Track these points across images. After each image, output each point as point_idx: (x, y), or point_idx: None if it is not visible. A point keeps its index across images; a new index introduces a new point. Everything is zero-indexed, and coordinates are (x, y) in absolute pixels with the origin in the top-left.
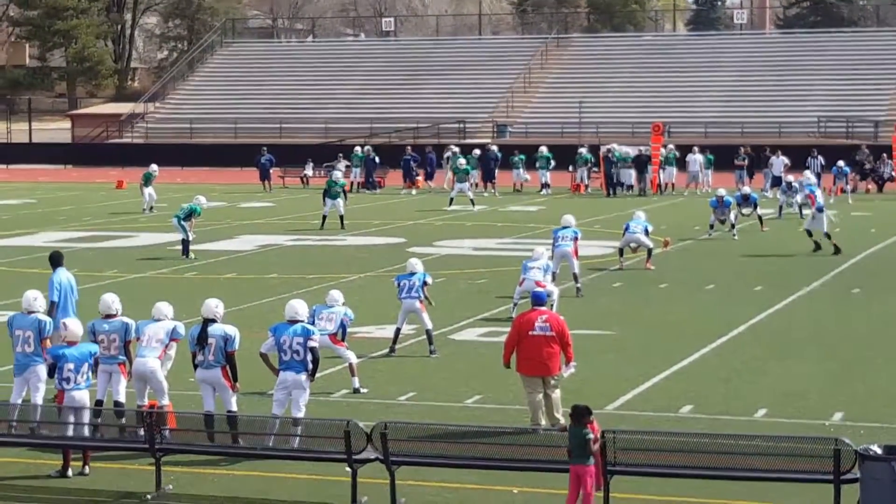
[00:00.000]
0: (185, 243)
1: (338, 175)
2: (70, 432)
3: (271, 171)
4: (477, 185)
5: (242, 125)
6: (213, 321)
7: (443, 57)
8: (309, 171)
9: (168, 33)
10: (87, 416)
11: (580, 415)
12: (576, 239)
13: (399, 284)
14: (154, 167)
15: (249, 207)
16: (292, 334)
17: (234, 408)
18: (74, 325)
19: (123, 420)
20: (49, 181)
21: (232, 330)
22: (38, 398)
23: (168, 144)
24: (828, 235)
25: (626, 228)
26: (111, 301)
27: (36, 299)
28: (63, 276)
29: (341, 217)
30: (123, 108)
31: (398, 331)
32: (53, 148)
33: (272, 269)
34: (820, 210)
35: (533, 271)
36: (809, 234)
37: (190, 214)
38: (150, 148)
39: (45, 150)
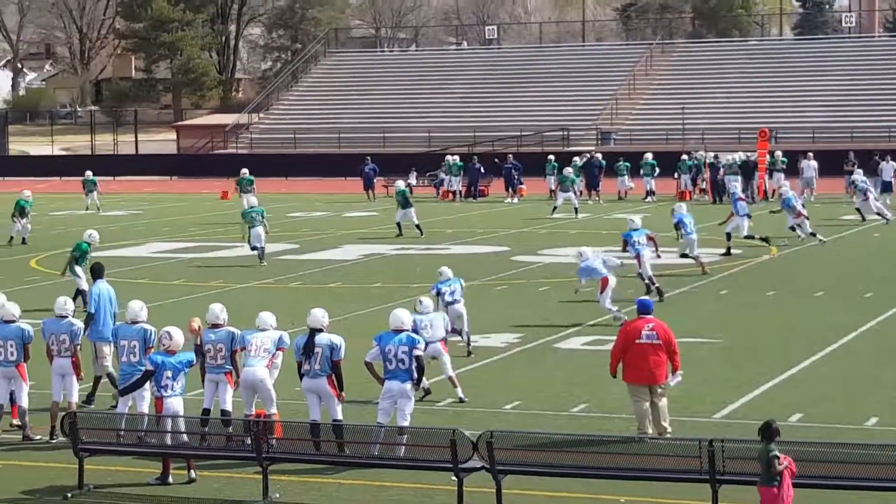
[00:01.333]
0: (261, 250)
1: (399, 183)
2: (171, 440)
3: (375, 180)
4: (581, 193)
5: (346, 134)
6: (320, 331)
7: (546, 64)
8: (412, 179)
9: (272, 44)
10: (184, 424)
11: (768, 431)
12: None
13: (440, 291)
14: (245, 171)
15: (353, 217)
16: (397, 343)
17: (340, 416)
18: (178, 336)
19: (230, 429)
20: (155, 192)
21: (338, 339)
22: (144, 407)
23: (272, 154)
24: (728, 236)
25: (680, 223)
26: (218, 311)
27: (142, 309)
28: (102, 287)
29: (417, 226)
30: (228, 118)
31: (459, 332)
32: (159, 159)
33: (376, 279)
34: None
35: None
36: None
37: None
38: (255, 158)
39: (151, 162)
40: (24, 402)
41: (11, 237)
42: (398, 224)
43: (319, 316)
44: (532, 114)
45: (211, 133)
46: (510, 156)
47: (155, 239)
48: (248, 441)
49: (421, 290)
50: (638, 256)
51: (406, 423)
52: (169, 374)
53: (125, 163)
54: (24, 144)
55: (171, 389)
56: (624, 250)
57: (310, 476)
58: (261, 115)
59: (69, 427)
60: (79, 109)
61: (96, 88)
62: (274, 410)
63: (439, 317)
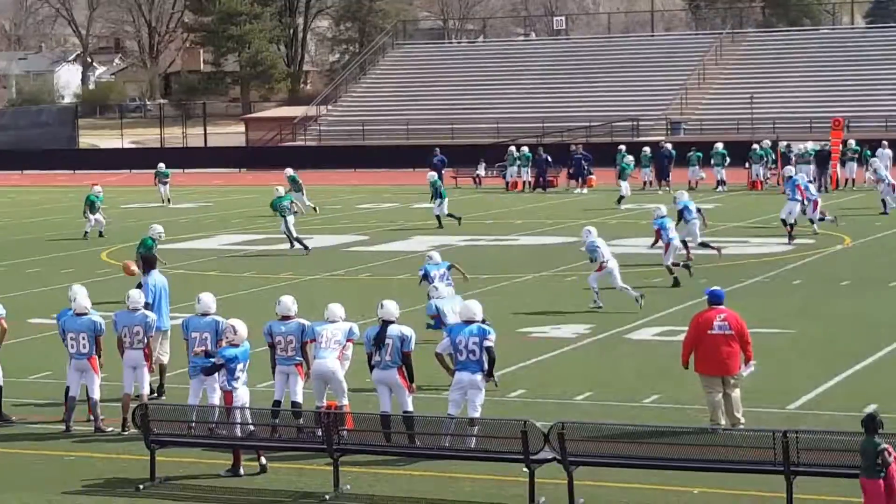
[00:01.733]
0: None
1: (431, 174)
2: (242, 431)
3: (444, 171)
4: (651, 183)
5: (414, 126)
6: (392, 322)
7: (615, 55)
8: (481, 171)
9: (340, 36)
10: (251, 414)
11: (872, 423)
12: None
13: (429, 275)
14: (289, 170)
15: (423, 208)
16: (468, 334)
17: (411, 408)
18: (242, 329)
19: (301, 420)
20: (224, 185)
21: (408, 330)
22: (215, 399)
23: (341, 147)
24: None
25: (685, 210)
26: (290, 303)
27: (213, 301)
28: (158, 278)
29: (438, 217)
30: (296, 111)
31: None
32: (228, 151)
33: None
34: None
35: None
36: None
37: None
38: (323, 150)
39: (219, 154)
40: (96, 394)
41: (86, 232)
42: (453, 216)
43: (392, 308)
44: (601, 104)
45: (279, 125)
46: (579, 146)
47: (224, 231)
48: (319, 432)
49: (490, 281)
50: (668, 244)
51: (477, 415)
52: (240, 366)
53: (194, 155)
54: (94, 138)
55: (241, 381)
56: (657, 241)
57: (380, 467)
58: (329, 107)
59: (141, 419)
60: (148, 103)
61: (165, 82)
62: (345, 402)
63: (458, 300)
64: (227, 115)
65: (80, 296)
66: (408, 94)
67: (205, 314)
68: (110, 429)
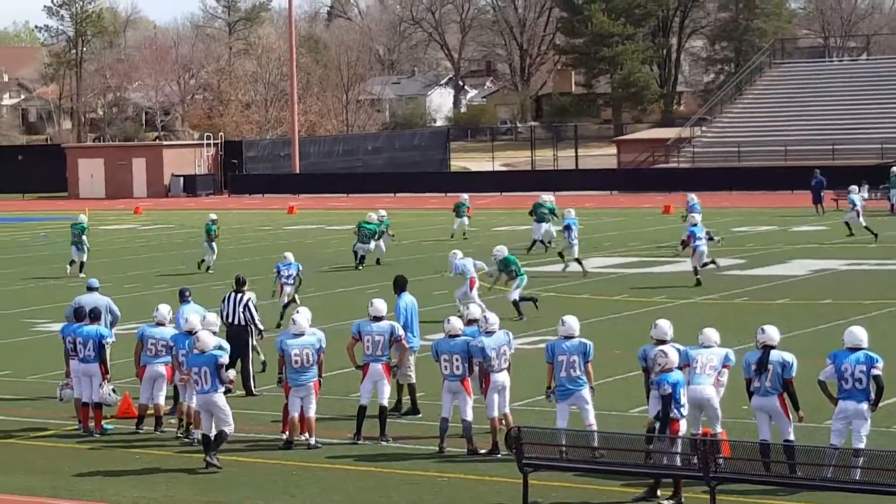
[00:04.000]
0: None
1: (545, 198)
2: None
3: (823, 193)
4: None
5: (792, 147)
6: (773, 347)
7: None
8: (864, 193)
9: (714, 56)
10: (679, 446)
11: None
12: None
13: (279, 271)
14: (544, 196)
15: (801, 231)
16: (854, 362)
17: (791, 437)
18: (673, 354)
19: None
20: (595, 207)
21: (790, 357)
22: (591, 420)
23: (715, 168)
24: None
25: (568, 228)
26: (666, 327)
27: (578, 324)
28: (407, 299)
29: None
30: (669, 132)
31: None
32: (599, 174)
33: (826, 295)
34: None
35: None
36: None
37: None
38: (697, 172)
39: (591, 176)
40: (469, 415)
41: (362, 257)
42: (540, 241)
43: (774, 333)
44: None
45: (652, 147)
46: None
47: (595, 254)
48: (695, 460)
49: (875, 306)
50: (695, 250)
51: (862, 445)
52: (683, 390)
53: (565, 178)
54: (465, 161)
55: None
56: (685, 244)
57: (759, 497)
58: (703, 128)
59: (513, 442)
60: (519, 125)
61: (536, 104)
62: (720, 429)
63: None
64: (599, 137)
65: (454, 318)
66: (786, 114)
67: (569, 337)
68: (483, 450)
